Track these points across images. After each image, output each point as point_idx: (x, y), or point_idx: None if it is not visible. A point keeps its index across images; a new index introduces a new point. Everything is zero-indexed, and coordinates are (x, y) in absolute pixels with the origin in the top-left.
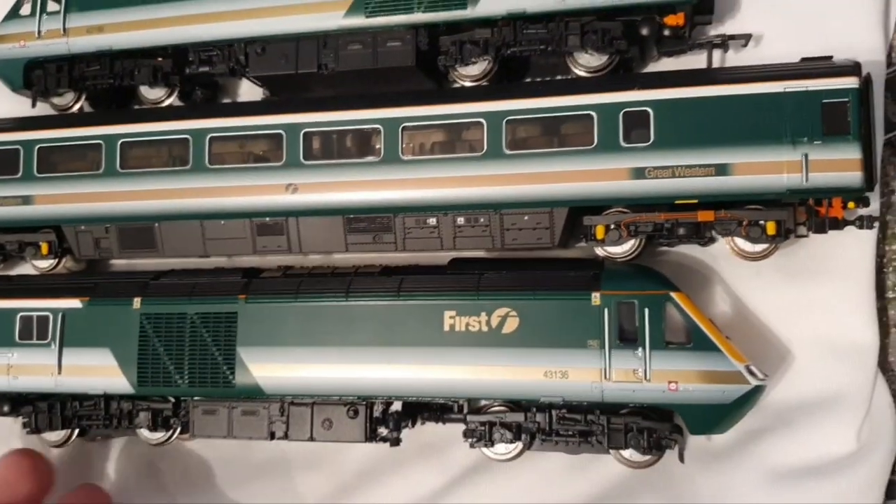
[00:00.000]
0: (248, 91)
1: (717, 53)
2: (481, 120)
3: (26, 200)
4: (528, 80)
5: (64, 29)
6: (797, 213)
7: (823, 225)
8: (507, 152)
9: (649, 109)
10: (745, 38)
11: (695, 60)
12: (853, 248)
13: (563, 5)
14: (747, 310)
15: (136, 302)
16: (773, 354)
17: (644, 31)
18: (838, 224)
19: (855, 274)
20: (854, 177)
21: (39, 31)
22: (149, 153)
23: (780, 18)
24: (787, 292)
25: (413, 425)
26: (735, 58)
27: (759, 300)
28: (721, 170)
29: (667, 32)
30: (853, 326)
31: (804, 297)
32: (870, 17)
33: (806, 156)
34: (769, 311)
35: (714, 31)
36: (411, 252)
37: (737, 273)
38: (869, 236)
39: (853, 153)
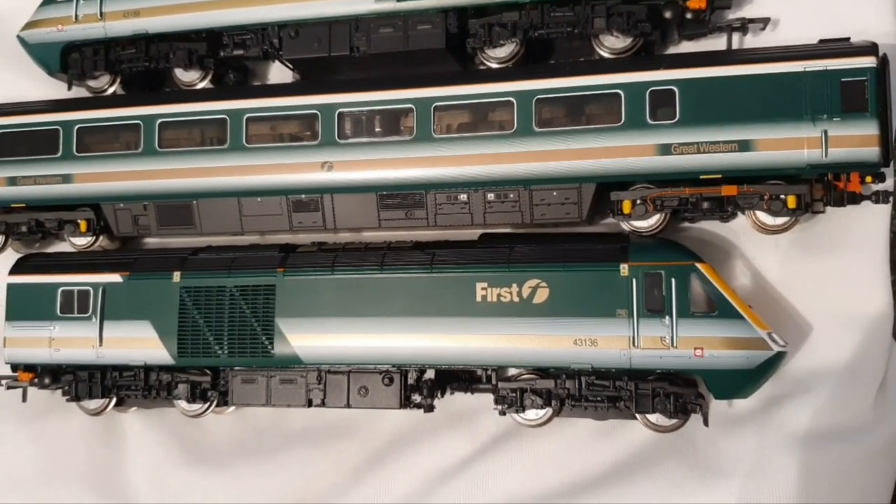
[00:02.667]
0: (279, 75)
1: (736, 37)
2: (511, 99)
3: (66, 179)
4: (553, 61)
5: (101, 13)
6: (815, 190)
7: (842, 199)
8: (537, 130)
9: (675, 88)
10: (764, 22)
11: (714, 44)
12: (868, 222)
13: None
14: (767, 282)
15: (176, 276)
16: (791, 325)
17: (667, 14)
18: (855, 198)
19: (870, 247)
20: (871, 152)
21: (77, 16)
22: (186, 133)
23: (797, 3)
24: (805, 266)
25: (443, 395)
26: (753, 41)
27: (777, 273)
28: (744, 146)
29: (689, 16)
30: (868, 298)
31: (821, 270)
32: (884, 2)
33: (825, 132)
34: (788, 284)
35: (733, 14)
36: (442, 228)
37: (756, 247)
38: (884, 211)
39: (871, 129)
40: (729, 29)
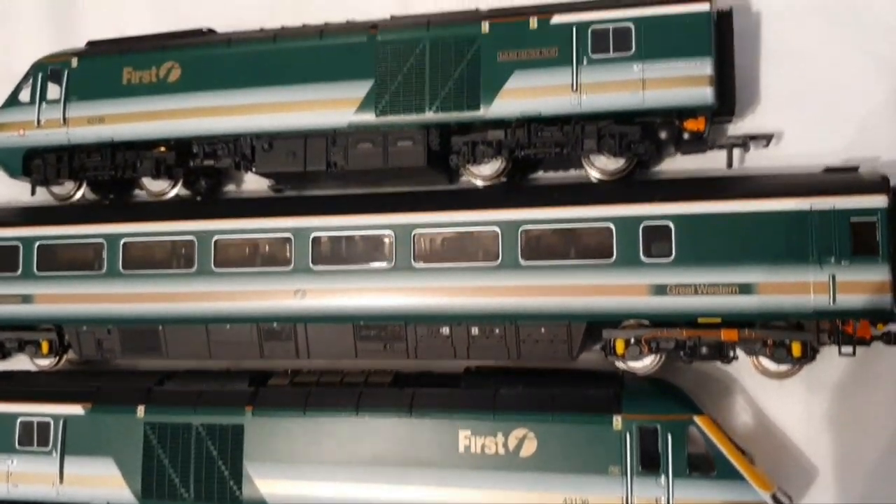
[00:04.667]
0: (254, 179)
1: (736, 153)
2: (496, 228)
3: (26, 299)
4: (542, 172)
5: (64, 118)
6: (821, 325)
7: (850, 341)
8: (523, 263)
9: (670, 224)
10: (766, 139)
11: (714, 157)
12: (880, 361)
13: (579, 109)
14: (770, 423)
15: (140, 410)
16: (797, 469)
17: (663, 136)
18: (865, 341)
19: (881, 387)
20: (884, 300)
21: (39, 120)
22: (152, 253)
23: (801, 117)
24: (812, 405)
25: None
26: (755, 155)
27: (782, 413)
28: (745, 289)
29: (686, 136)
30: (879, 440)
31: (829, 410)
32: (891, 117)
33: (833, 277)
34: (793, 425)
35: (733, 126)
36: (424, 360)
37: (759, 384)
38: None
39: (882, 275)
40: (730, 147)
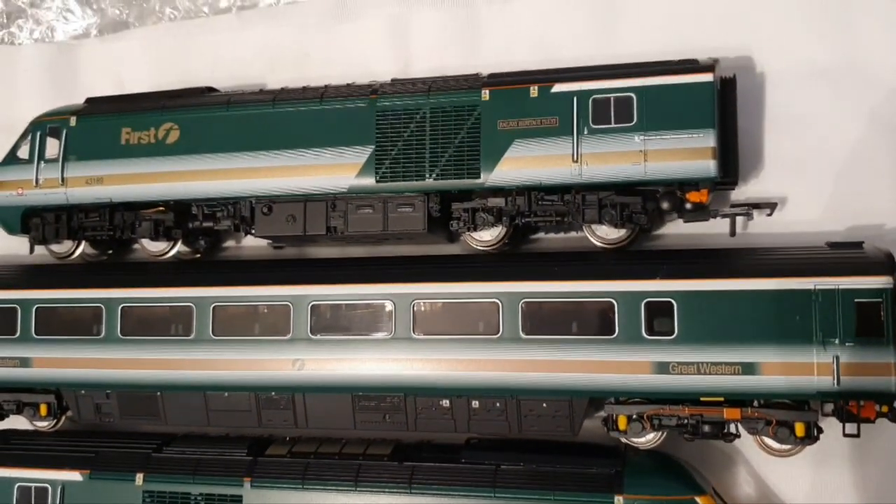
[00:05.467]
0: (253, 240)
1: (740, 220)
2: (497, 301)
3: (24, 362)
4: (543, 233)
5: (62, 179)
6: (825, 404)
7: (854, 419)
8: (524, 336)
9: (673, 301)
10: (770, 207)
11: (716, 224)
12: (888, 436)
13: (580, 179)
14: (774, 495)
15: (139, 478)
16: None
17: (665, 206)
18: (870, 420)
19: (886, 464)
20: (888, 382)
21: (38, 180)
22: (151, 319)
23: (805, 183)
24: (815, 479)
25: None
26: (758, 221)
27: (788, 489)
28: (748, 368)
29: (689, 206)
30: None
31: (837, 484)
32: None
33: (837, 358)
34: (797, 498)
35: (736, 192)
36: (424, 432)
37: (764, 458)
38: None
39: (888, 357)
40: (733, 216)
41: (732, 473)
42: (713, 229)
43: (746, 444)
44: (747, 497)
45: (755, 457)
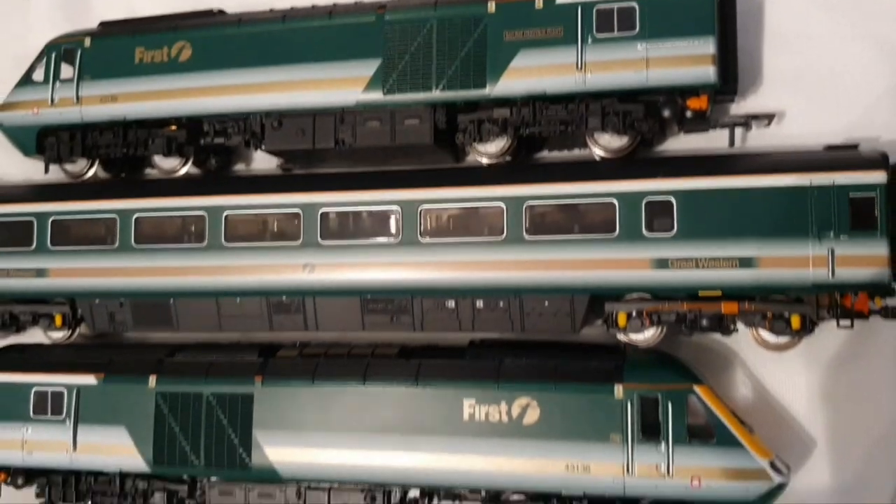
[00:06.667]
0: (263, 159)
1: (739, 132)
2: (501, 204)
3: (40, 273)
4: (547, 151)
5: (77, 97)
6: (821, 300)
7: (849, 315)
8: (527, 238)
9: (672, 199)
10: (768, 118)
11: (716, 137)
12: (878, 335)
13: (583, 87)
14: (769, 395)
15: (152, 380)
16: (795, 441)
17: (666, 114)
18: (864, 315)
19: (879, 361)
20: (882, 273)
21: (53, 99)
22: (164, 228)
23: (803, 97)
24: (810, 378)
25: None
26: (757, 135)
27: (781, 386)
28: (745, 263)
29: (689, 114)
30: (877, 414)
31: (827, 383)
32: (891, 98)
33: (832, 251)
34: (791, 398)
35: (736, 107)
36: (430, 332)
37: (758, 358)
38: (894, 325)
39: (881, 249)
40: (732, 126)
41: (728, 376)
42: (713, 143)
43: (743, 344)
44: (743, 398)
45: (751, 357)
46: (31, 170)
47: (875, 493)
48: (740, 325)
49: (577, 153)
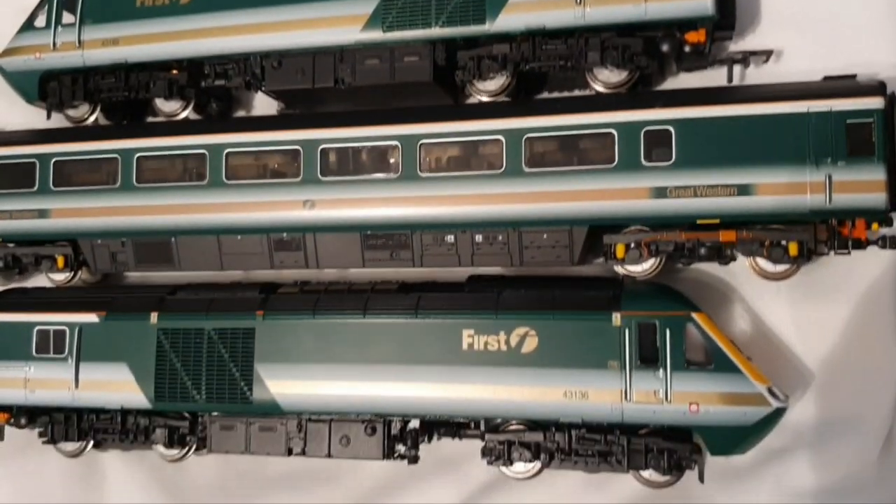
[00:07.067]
0: (263, 103)
1: (737, 69)
2: (500, 137)
3: (42, 214)
4: (546, 95)
5: (79, 41)
6: (818, 232)
7: (846, 244)
8: (527, 170)
9: (671, 128)
10: (766, 55)
11: (715, 76)
12: (875, 266)
13: (582, 21)
14: (767, 328)
15: (153, 317)
16: (792, 373)
17: (664, 48)
18: (861, 244)
19: (876, 293)
20: (878, 199)
21: (55, 44)
22: (165, 167)
23: (801, 35)
24: (808, 311)
25: (429, 440)
26: (755, 73)
27: (778, 319)
28: (743, 190)
29: (687, 49)
30: (874, 346)
31: (824, 315)
32: (892, 34)
33: (829, 176)
34: (789, 330)
35: (734, 45)
36: (429, 268)
37: (756, 291)
38: (891, 256)
39: (878, 175)
40: (730, 62)
41: (726, 310)
42: (711, 82)
43: (740, 279)
44: (741, 331)
45: (749, 291)
46: (33, 120)
47: (873, 424)
48: (738, 257)
49: (576, 94)
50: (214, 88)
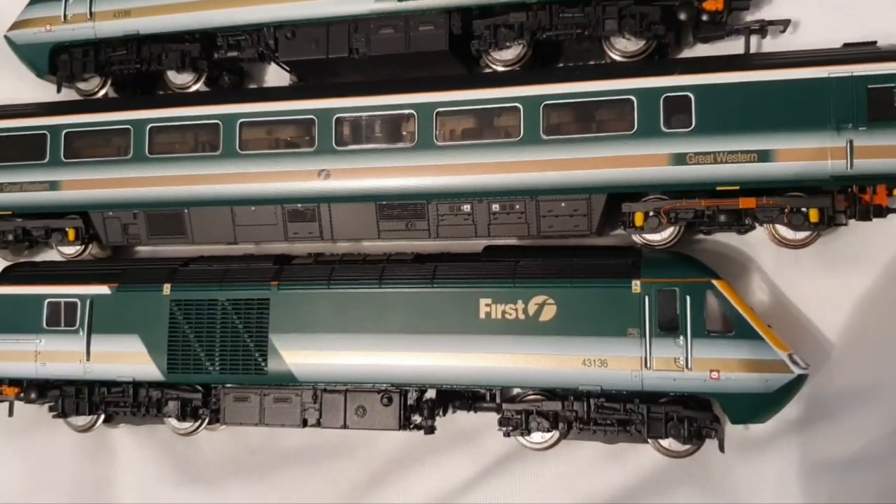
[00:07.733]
0: (276, 76)
1: (754, 39)
2: (518, 105)
3: (53, 186)
4: (562, 63)
5: (90, 13)
6: (837, 201)
7: (867, 212)
8: (545, 137)
9: (691, 94)
10: (784, 24)
11: (731, 46)
12: (894, 236)
13: None
14: (786, 298)
15: (166, 288)
16: (812, 344)
17: (682, 16)
18: (881, 212)
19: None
20: None
21: (66, 15)
22: (178, 138)
23: (819, 4)
24: (828, 281)
25: (444, 413)
26: (773, 44)
27: (798, 289)
28: (763, 156)
29: (704, 17)
30: (893, 317)
31: (844, 285)
32: None
33: (850, 142)
34: (809, 300)
35: (751, 16)
36: (445, 239)
37: (776, 261)
38: None
39: None
40: (747, 31)
41: (746, 281)
42: (728, 53)
43: (759, 250)
44: (760, 302)
45: (768, 262)
46: (43, 95)
47: (892, 394)
48: (757, 227)
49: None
50: (226, 61)
